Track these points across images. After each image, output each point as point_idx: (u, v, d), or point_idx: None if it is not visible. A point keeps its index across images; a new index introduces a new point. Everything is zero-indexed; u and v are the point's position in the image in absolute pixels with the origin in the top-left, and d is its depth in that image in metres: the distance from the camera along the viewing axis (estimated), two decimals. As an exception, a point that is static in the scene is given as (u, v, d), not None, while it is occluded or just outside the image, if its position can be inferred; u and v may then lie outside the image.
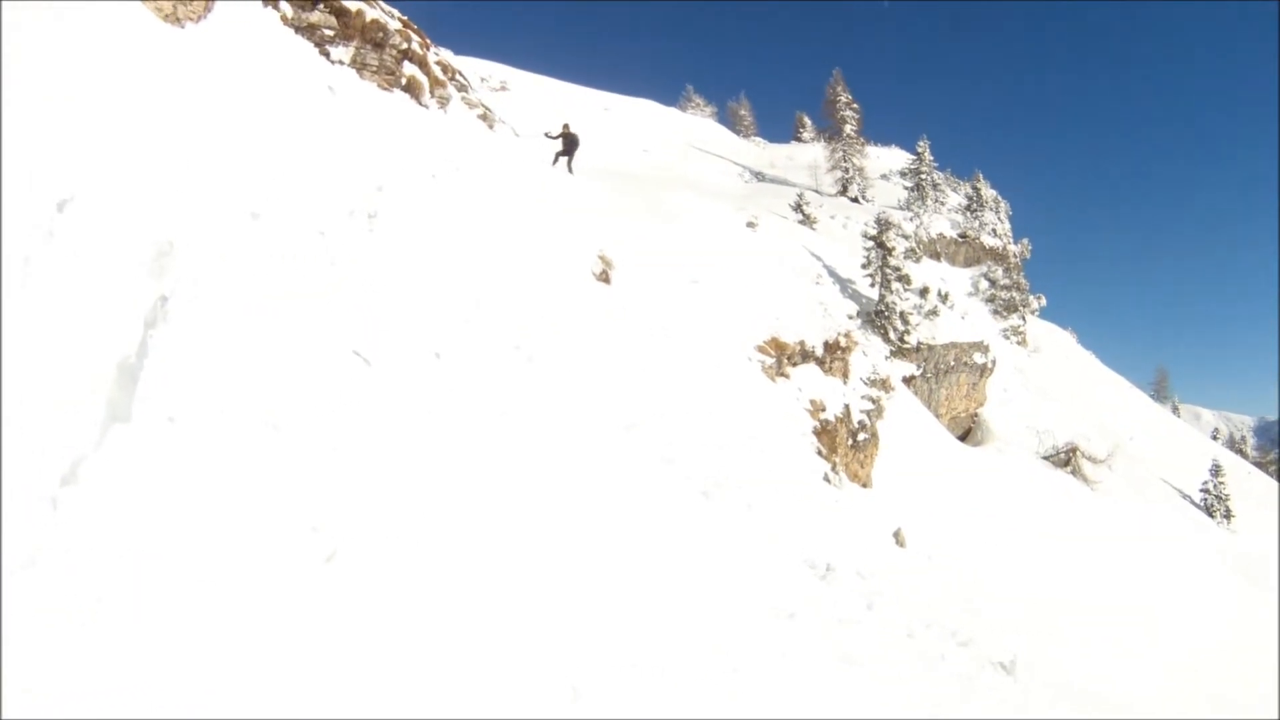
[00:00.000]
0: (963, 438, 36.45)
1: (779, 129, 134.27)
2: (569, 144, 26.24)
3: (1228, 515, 43.50)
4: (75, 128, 6.79)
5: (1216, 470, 45.03)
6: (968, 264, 54.60)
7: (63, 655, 3.52)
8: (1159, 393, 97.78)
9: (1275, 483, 65.94)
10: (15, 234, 5.21)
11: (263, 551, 4.76)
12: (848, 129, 60.44)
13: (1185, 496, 44.31)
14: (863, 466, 23.69)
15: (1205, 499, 44.37)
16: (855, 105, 61.99)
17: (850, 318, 30.18)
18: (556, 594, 6.59)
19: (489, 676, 5.10)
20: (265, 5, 13.98)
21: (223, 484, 4.96)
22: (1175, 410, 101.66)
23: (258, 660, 4.09)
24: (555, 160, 25.97)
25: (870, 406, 25.30)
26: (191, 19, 10.79)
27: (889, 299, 32.12)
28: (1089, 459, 36.68)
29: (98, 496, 4.21)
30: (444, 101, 19.60)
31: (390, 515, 5.96)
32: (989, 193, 59.45)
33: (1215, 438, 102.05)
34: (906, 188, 57.36)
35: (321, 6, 15.73)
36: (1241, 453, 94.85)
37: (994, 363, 40.20)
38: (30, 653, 3.44)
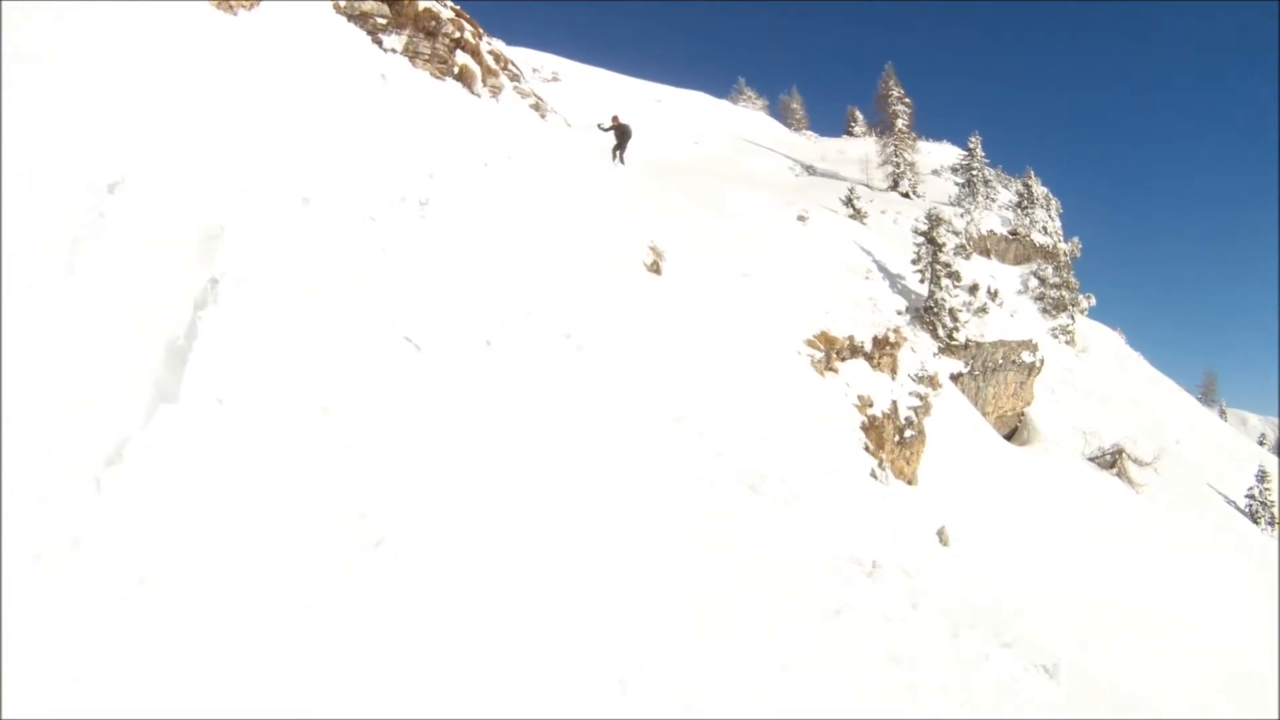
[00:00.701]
0: (1009, 437, 36.16)
1: (830, 123, 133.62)
2: (621, 135, 26.21)
3: (1273, 522, 42.94)
4: (128, 111, 6.86)
5: (1263, 476, 44.48)
6: (1017, 261, 54.06)
7: (106, 634, 3.57)
8: (1206, 396, 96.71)
9: (1322, 490, 65.12)
10: (64, 215, 5.29)
11: (311, 536, 4.81)
12: (899, 123, 59.97)
13: (1230, 502, 43.75)
14: (909, 463, 23.56)
15: (1251, 505, 43.79)
16: (907, 100, 61.53)
17: (899, 313, 29.97)
18: (604, 583, 6.62)
19: (536, 665, 5.13)
20: (318, -8, 14.05)
21: (271, 467, 5.01)
22: (1223, 414, 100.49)
23: (303, 645, 4.13)
24: (614, 156, 26.00)
25: (918, 403, 25.13)
26: (245, 6, 10.89)
27: (938, 295, 31.83)
28: (1135, 461, 36.26)
29: (143, 477, 4.24)
30: (496, 91, 19.65)
31: (439, 502, 5.99)
32: (1040, 190, 58.77)
33: (1262, 443, 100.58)
34: (957, 183, 56.77)
35: (374, -5, 15.81)
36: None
37: (1042, 362, 39.79)
38: (74, 632, 3.49)
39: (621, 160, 26.18)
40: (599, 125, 26.61)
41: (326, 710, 3.97)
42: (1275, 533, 42.15)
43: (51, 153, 5.76)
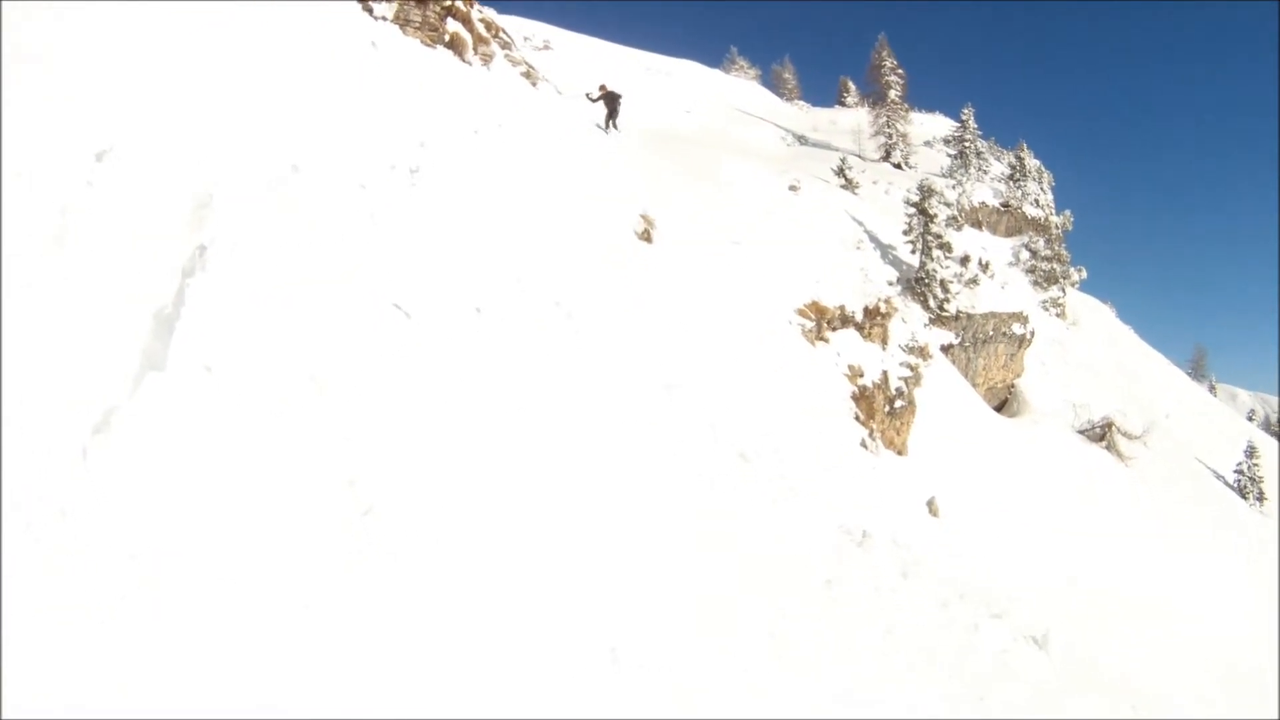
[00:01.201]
0: (999, 408, 36.22)
1: (822, 93, 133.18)
2: (610, 103, 26.06)
3: (1260, 497, 43.20)
4: (116, 79, 6.82)
5: (1251, 451, 44.72)
6: (1009, 234, 54.07)
7: (98, 604, 3.53)
8: (1196, 371, 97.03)
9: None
10: (53, 184, 5.24)
11: (299, 504, 4.76)
12: (892, 94, 60.04)
13: (1219, 476, 43.97)
14: (899, 434, 23.61)
15: (1239, 480, 44.07)
16: (900, 71, 61.61)
17: (890, 284, 29.95)
18: (595, 552, 6.62)
19: (524, 632, 5.12)
20: (308, -41, 13.88)
21: (259, 434, 4.96)
22: (1212, 389, 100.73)
23: (289, 613, 4.10)
24: (606, 125, 25.82)
25: (908, 374, 25.18)
26: (234, -28, 10.77)
27: (929, 266, 31.81)
28: (1124, 435, 36.32)
29: (130, 446, 4.20)
30: (487, 59, 19.48)
31: (427, 469, 5.96)
32: (1032, 163, 58.72)
33: (1251, 419, 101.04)
34: (950, 155, 56.93)
35: (364, -38, 15.62)
36: (1278, 435, 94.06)
37: (1032, 334, 39.81)
38: (65, 600, 3.47)
39: (614, 128, 26.04)
40: (588, 95, 26.44)
41: (315, 683, 3.94)
42: (1261, 507, 42.28)
43: (40, 124, 5.74)
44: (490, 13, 21.32)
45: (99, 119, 6.21)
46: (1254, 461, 44.29)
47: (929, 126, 68.72)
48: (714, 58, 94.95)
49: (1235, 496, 42.39)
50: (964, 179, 52.88)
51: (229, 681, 3.67)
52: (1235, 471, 44.66)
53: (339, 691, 3.99)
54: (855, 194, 39.39)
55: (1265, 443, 56.83)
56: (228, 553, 4.15)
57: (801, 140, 60.95)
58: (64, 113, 5.92)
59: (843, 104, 78.68)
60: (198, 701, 3.53)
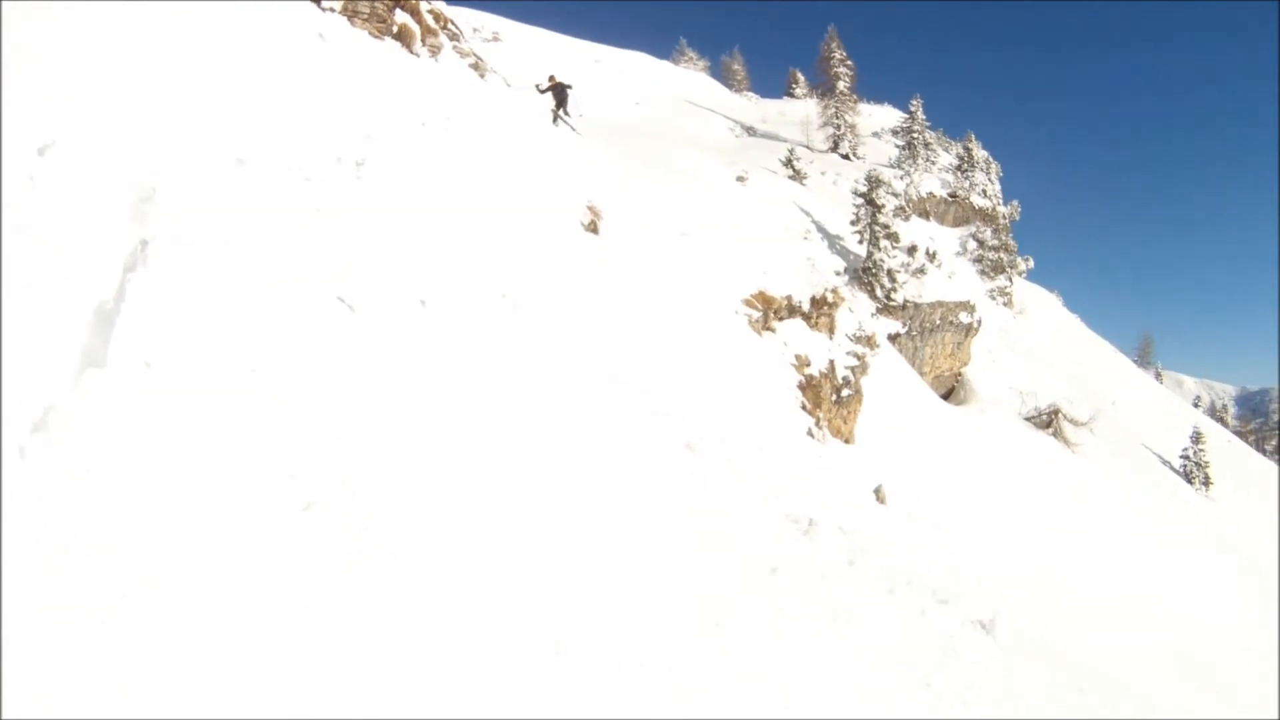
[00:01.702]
0: (946, 396, 36.51)
1: (772, 85, 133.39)
2: (559, 95, 25.95)
3: (1206, 482, 43.82)
4: (59, 72, 6.75)
5: (1197, 438, 45.28)
6: (956, 224, 54.43)
7: (29, 607, 3.48)
8: (1142, 358, 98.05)
9: (1254, 452, 66.50)
10: None
11: (239, 499, 4.72)
12: (841, 85, 60.34)
13: (1165, 462, 44.60)
14: (846, 422, 23.75)
15: (1185, 465, 44.69)
16: (849, 62, 61.95)
17: (838, 274, 30.07)
18: (539, 546, 6.58)
19: (469, 630, 5.09)
20: (254, -51, 13.74)
21: (200, 430, 4.91)
22: (1158, 376, 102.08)
23: (228, 609, 4.05)
24: (555, 117, 25.64)
25: (855, 363, 25.31)
26: (180, -38, 10.64)
27: (877, 256, 32.01)
28: (1071, 422, 36.77)
29: (69, 443, 4.17)
30: (436, 50, 19.38)
31: (370, 463, 5.92)
32: (980, 153, 59.12)
33: (1197, 405, 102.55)
34: (898, 146, 57.23)
35: (312, -48, 15.48)
36: (1222, 421, 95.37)
37: (979, 323, 40.13)
38: None
39: (564, 119, 25.96)
40: (537, 86, 26.35)
41: (251, 678, 3.88)
42: (1207, 492, 42.93)
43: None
44: (439, 4, 21.20)
45: (40, 113, 6.12)
46: (1199, 447, 44.87)
47: (877, 118, 69.12)
48: (663, 49, 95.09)
49: (1181, 481, 43.03)
50: (912, 169, 53.19)
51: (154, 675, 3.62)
52: (1181, 457, 45.30)
53: (284, 688, 3.94)
54: (803, 185, 39.57)
55: (1210, 428, 57.66)
56: (161, 547, 4.08)
57: (750, 131, 61.18)
58: (4, 107, 5.84)
59: (792, 95, 78.98)
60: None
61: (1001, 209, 58.52)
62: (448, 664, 4.71)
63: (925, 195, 52.80)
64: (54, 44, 6.99)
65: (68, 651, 3.41)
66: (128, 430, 4.51)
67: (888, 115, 70.17)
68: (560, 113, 25.81)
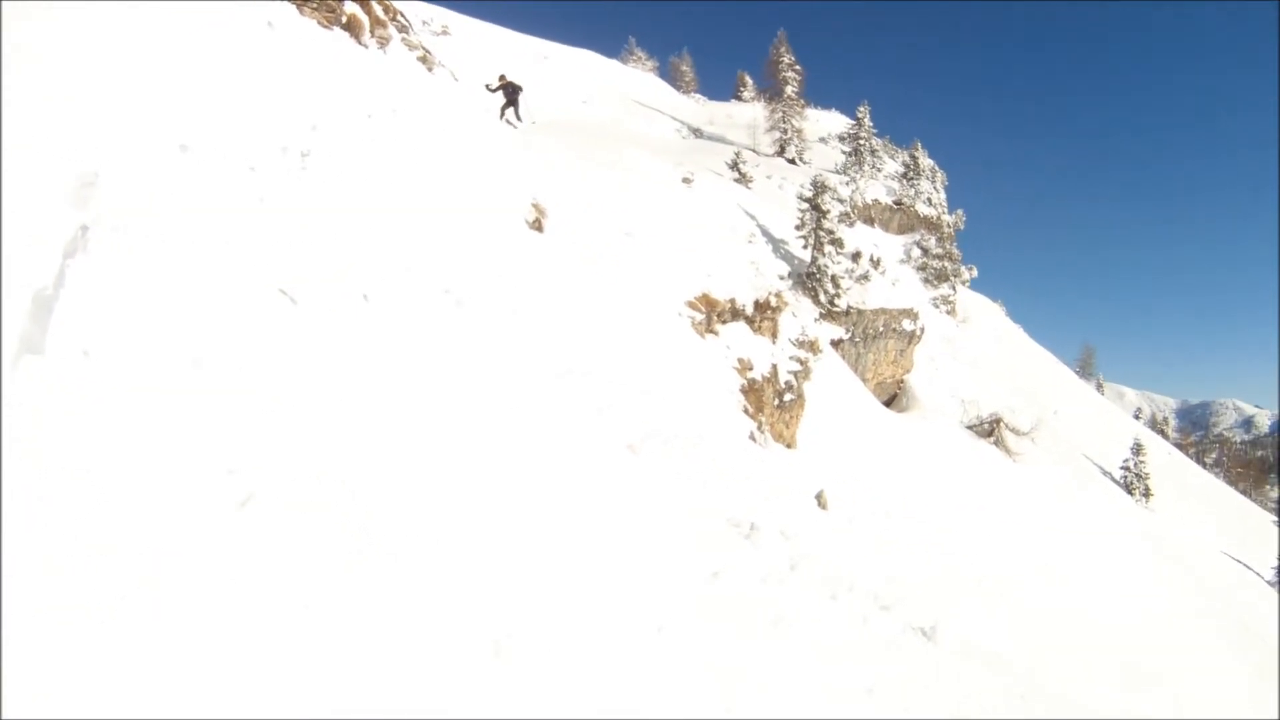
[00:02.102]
0: (888, 403, 36.74)
1: (720, 87, 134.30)
2: (510, 94, 25.93)
3: (1146, 494, 44.54)
4: None
5: (1138, 449, 45.96)
6: (901, 231, 54.84)
7: None
8: (1084, 369, 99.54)
9: (1194, 464, 67.62)
10: None
11: (175, 493, 4.59)
12: (789, 90, 60.59)
13: (1106, 473, 45.21)
14: (788, 427, 23.76)
15: (1125, 476, 45.36)
16: (798, 67, 62.21)
17: (781, 278, 30.16)
18: (479, 546, 6.53)
19: (408, 634, 5.00)
20: (202, -66, 13.47)
21: (137, 421, 4.81)
22: (1100, 388, 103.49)
23: (160, 609, 3.91)
24: (503, 114, 25.57)
25: (798, 368, 25.37)
26: (125, -52, 10.37)
27: (821, 261, 32.12)
28: (1013, 431, 37.11)
29: (3, 432, 4.01)
30: (384, 42, 19.15)
31: (310, 459, 5.84)
32: (926, 162, 59.60)
33: (1138, 417, 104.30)
34: (844, 152, 57.49)
35: (261, -62, 15.19)
36: (1163, 433, 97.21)
37: (922, 330, 40.43)
38: None
39: (514, 119, 25.91)
40: (486, 86, 26.24)
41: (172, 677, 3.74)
42: (1147, 503, 43.52)
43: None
44: (390, -4, 20.96)
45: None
46: (1140, 459, 45.59)
47: (825, 123, 69.66)
48: (613, 48, 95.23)
49: (1121, 492, 43.58)
50: (858, 176, 53.51)
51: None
52: (1121, 468, 46.03)
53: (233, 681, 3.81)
54: (749, 188, 39.62)
55: (1152, 440, 58.60)
56: (93, 542, 3.95)
57: (697, 133, 61.38)
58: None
59: (740, 98, 79.32)
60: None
61: (946, 217, 58.99)
62: (380, 661, 4.65)
63: (870, 202, 53.11)
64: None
65: None
66: (65, 419, 4.43)
67: (835, 121, 70.77)
68: (509, 113, 25.71)
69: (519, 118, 26.05)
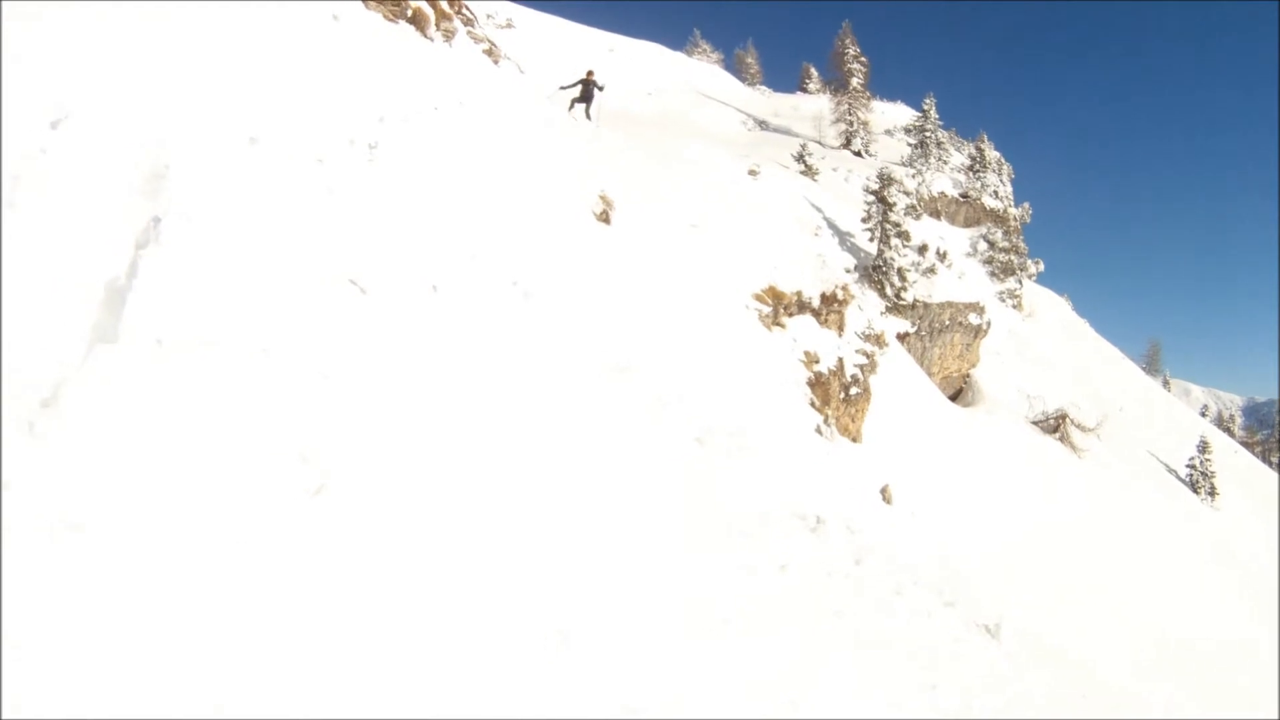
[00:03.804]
0: (953, 398, 36.40)
1: (785, 79, 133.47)
2: (587, 90, 25.98)
3: (1212, 492, 43.62)
4: (73, 45, 6.71)
5: (1204, 447, 45.04)
6: (967, 224, 54.41)
7: (39, 584, 3.46)
8: (1150, 365, 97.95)
9: (1260, 463, 66.32)
10: (5, 152, 5.17)
11: (249, 481, 4.68)
12: (854, 82, 60.25)
13: (1171, 471, 44.45)
14: (854, 420, 23.64)
15: (1191, 474, 44.45)
16: (863, 59, 61.80)
17: (847, 271, 30.01)
18: (546, 536, 6.57)
19: (474, 623, 5.08)
20: (269, -70, 13.63)
21: (210, 409, 4.87)
22: (1166, 384, 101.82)
23: (238, 597, 4.02)
24: (571, 106, 25.60)
25: (864, 361, 25.21)
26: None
27: (887, 254, 31.92)
28: (1078, 427, 36.63)
29: (78, 420, 4.13)
30: (449, 35, 19.26)
31: (380, 448, 5.89)
32: (992, 154, 59.07)
33: (1204, 414, 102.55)
34: (910, 144, 57.01)
35: (326, -65, 15.35)
36: (1229, 431, 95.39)
37: (989, 324, 39.97)
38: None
39: (588, 116, 25.91)
40: (562, 86, 26.25)
41: (255, 671, 3.85)
42: (1213, 503, 42.75)
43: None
44: (453, -12, 21.07)
45: (54, 85, 6.10)
46: (1206, 457, 44.61)
47: (890, 115, 68.97)
48: (677, 40, 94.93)
49: (1187, 490, 42.82)
50: (924, 168, 53.15)
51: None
52: (1187, 466, 45.00)
53: (284, 677, 3.92)
54: (815, 180, 39.42)
55: (1217, 438, 57.54)
56: (170, 530, 4.06)
57: (763, 125, 61.07)
58: (19, 78, 5.80)
59: (805, 90, 78.77)
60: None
61: (1013, 211, 58.44)
62: (451, 655, 4.71)
63: (937, 195, 52.74)
64: (68, 18, 6.94)
65: (74, 641, 3.37)
66: (139, 407, 4.47)
67: (900, 113, 70.05)
68: (579, 108, 25.76)
69: (589, 115, 26.08)
